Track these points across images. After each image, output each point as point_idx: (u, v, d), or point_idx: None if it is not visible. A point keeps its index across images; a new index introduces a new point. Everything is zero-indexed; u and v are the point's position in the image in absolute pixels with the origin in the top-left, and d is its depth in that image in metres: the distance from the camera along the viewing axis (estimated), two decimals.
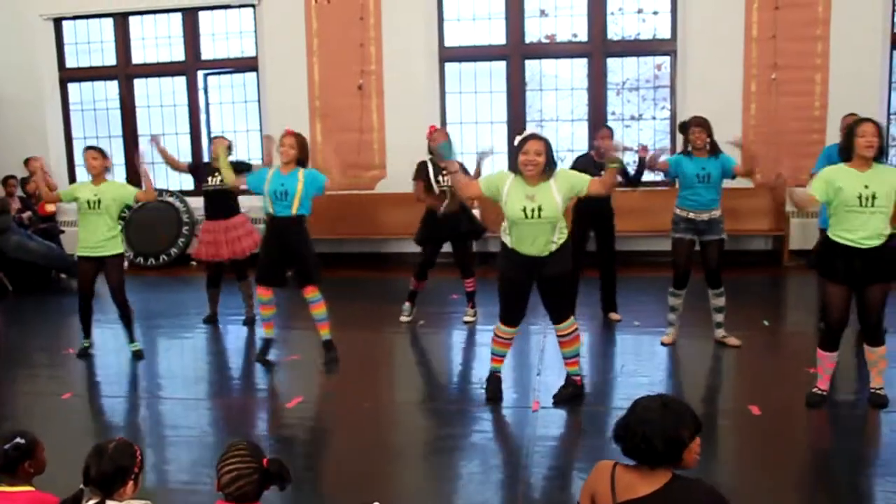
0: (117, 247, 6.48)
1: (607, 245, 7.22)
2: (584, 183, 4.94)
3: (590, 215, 7.03)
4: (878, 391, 5.00)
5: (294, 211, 6.06)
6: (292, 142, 6.05)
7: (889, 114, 9.59)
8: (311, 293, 6.23)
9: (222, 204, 7.29)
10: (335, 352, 6.31)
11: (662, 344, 6.41)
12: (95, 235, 6.35)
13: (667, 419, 2.37)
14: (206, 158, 7.52)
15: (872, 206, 4.70)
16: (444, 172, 6.85)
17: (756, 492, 3.97)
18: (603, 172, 5.10)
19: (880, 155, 4.78)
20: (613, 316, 7.25)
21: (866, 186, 4.71)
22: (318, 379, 6.20)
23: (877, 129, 4.74)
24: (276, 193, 6.01)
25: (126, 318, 6.54)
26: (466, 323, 7.28)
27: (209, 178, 7.25)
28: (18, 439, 2.80)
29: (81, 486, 2.63)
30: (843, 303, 4.92)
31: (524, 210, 4.85)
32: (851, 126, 4.86)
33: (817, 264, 5.09)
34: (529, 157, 4.81)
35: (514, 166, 4.96)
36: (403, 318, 7.37)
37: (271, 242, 6.18)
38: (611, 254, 7.25)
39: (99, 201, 6.32)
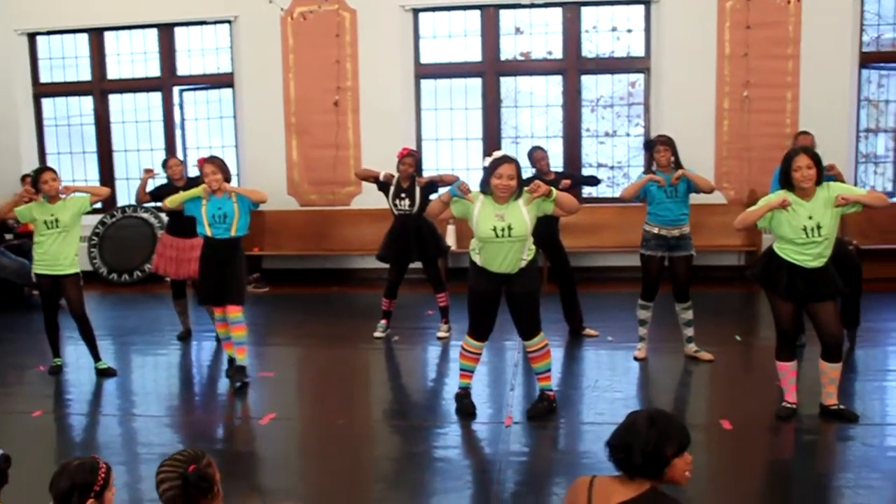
0: (74, 266, 6.45)
1: (559, 262, 7.22)
2: (549, 201, 4.99)
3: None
4: (839, 406, 5.04)
5: (233, 233, 6.11)
6: (214, 168, 6.03)
7: (858, 131, 9.73)
8: (236, 313, 6.17)
9: (188, 223, 7.24)
10: (247, 378, 6.17)
11: (635, 359, 6.46)
12: (55, 255, 6.34)
13: (650, 435, 2.40)
14: (191, 174, 7.49)
15: (818, 235, 4.79)
16: (404, 196, 7.10)
17: None
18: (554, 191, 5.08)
19: (819, 181, 4.82)
20: (590, 331, 7.26)
21: (810, 217, 4.78)
22: (292, 396, 6.19)
23: (811, 158, 4.78)
24: (216, 217, 6.06)
25: (87, 335, 6.51)
26: (440, 339, 7.29)
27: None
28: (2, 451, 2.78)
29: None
30: (791, 313, 5.02)
31: (494, 229, 4.91)
32: (788, 158, 4.87)
33: (760, 276, 5.13)
34: (503, 181, 4.86)
35: (483, 187, 5.00)
36: (377, 334, 7.38)
37: (210, 264, 6.19)
38: (565, 270, 7.22)
39: (56, 220, 6.30)
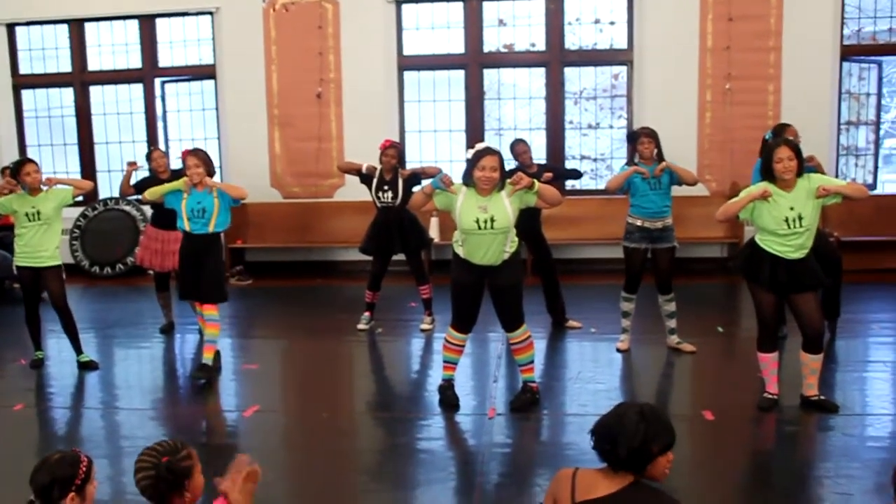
0: (56, 259, 6.39)
1: (541, 253, 7.23)
2: (532, 193, 5.00)
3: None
4: (820, 397, 5.07)
5: (211, 228, 6.05)
6: (196, 161, 5.96)
7: (839, 124, 9.78)
8: (211, 311, 6.12)
9: (172, 215, 7.19)
10: (210, 375, 6.08)
11: (618, 350, 6.49)
12: (36, 247, 6.29)
13: (638, 430, 2.41)
14: (173, 166, 7.45)
15: (800, 226, 4.82)
16: (387, 188, 7.09)
17: (706, 496, 4.03)
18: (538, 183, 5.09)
19: (800, 172, 4.86)
20: (573, 323, 7.27)
21: (791, 208, 4.82)
22: (276, 388, 6.17)
23: (792, 150, 4.82)
24: (194, 211, 5.99)
25: (69, 328, 6.46)
26: (423, 331, 7.30)
27: None
28: None
29: (31, 498, 2.60)
30: (772, 305, 5.05)
31: (477, 221, 4.92)
32: (769, 149, 4.93)
33: (742, 268, 5.17)
34: (486, 173, 4.88)
35: (466, 178, 5.01)
36: (361, 327, 7.37)
37: (188, 259, 6.15)
38: (547, 262, 7.23)
39: (38, 213, 6.25)
